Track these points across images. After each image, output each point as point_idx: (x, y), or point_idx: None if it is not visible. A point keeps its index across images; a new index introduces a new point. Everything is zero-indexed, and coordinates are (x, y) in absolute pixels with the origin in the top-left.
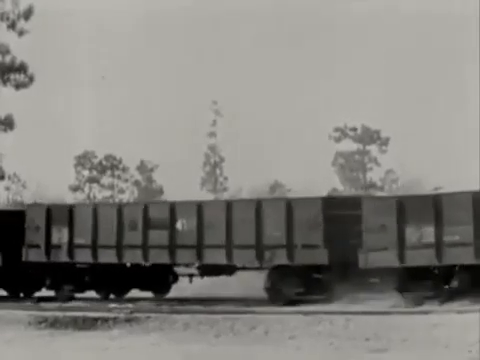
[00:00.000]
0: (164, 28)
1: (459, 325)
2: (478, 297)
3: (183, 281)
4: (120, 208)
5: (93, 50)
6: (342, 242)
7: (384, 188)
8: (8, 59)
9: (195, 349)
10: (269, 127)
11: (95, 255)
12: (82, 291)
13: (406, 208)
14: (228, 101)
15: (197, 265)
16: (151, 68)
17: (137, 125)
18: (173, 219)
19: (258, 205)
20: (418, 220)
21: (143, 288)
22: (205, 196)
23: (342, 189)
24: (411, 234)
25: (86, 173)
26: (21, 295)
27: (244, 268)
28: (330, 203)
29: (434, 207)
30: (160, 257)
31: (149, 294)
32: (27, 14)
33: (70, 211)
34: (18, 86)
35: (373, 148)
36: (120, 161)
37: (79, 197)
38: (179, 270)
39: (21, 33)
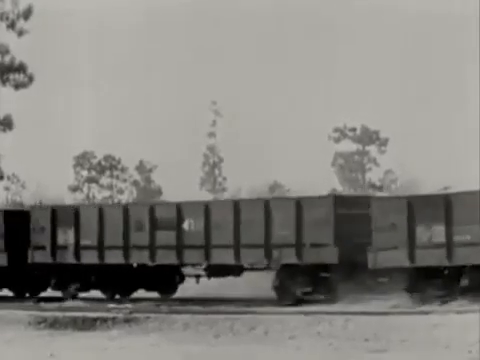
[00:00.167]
0: (163, 29)
1: (459, 325)
2: (478, 297)
3: (189, 281)
4: (126, 209)
5: (92, 50)
6: (351, 241)
7: (383, 188)
8: (7, 59)
9: (194, 349)
10: (268, 127)
11: (101, 256)
12: (87, 290)
13: (416, 208)
14: (228, 101)
15: (205, 266)
16: (150, 68)
17: (136, 125)
18: (180, 219)
19: (266, 204)
20: (428, 220)
21: (149, 288)
22: (204, 196)
23: (341, 189)
24: (421, 234)
25: (85, 173)
26: (27, 295)
27: (251, 269)
28: (341, 202)
29: (444, 206)
30: (167, 257)
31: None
32: (26, 14)
33: (76, 212)
34: (17, 86)
35: (372, 148)
36: (119, 161)
37: (78, 197)
38: (186, 271)
39: (20, 33)
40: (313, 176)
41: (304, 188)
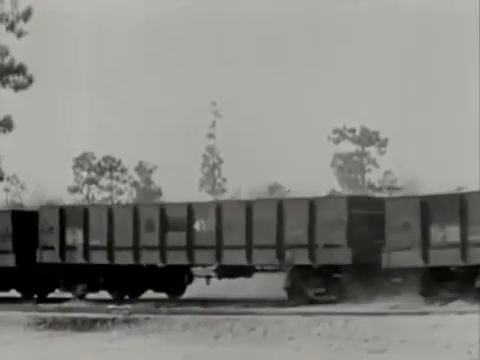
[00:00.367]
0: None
1: (459, 326)
2: (477, 297)
3: (198, 282)
4: (136, 209)
5: (92, 52)
6: (365, 242)
7: (382, 189)
8: (7, 60)
9: (194, 350)
10: (268, 128)
11: (111, 256)
12: (96, 291)
13: (430, 208)
14: (227, 102)
15: (215, 267)
16: (150, 70)
17: (136, 127)
18: (191, 220)
19: (280, 205)
20: (442, 219)
21: (158, 289)
22: (203, 197)
23: (340, 190)
24: (435, 234)
25: (85, 174)
26: (35, 296)
27: (262, 270)
28: (355, 202)
29: (459, 206)
30: (178, 258)
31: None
32: (26, 15)
33: (85, 212)
34: (17, 87)
35: (372, 149)
36: (119, 162)
37: (77, 198)
38: (196, 272)
39: (20, 34)
40: (312, 177)
41: (303, 189)
